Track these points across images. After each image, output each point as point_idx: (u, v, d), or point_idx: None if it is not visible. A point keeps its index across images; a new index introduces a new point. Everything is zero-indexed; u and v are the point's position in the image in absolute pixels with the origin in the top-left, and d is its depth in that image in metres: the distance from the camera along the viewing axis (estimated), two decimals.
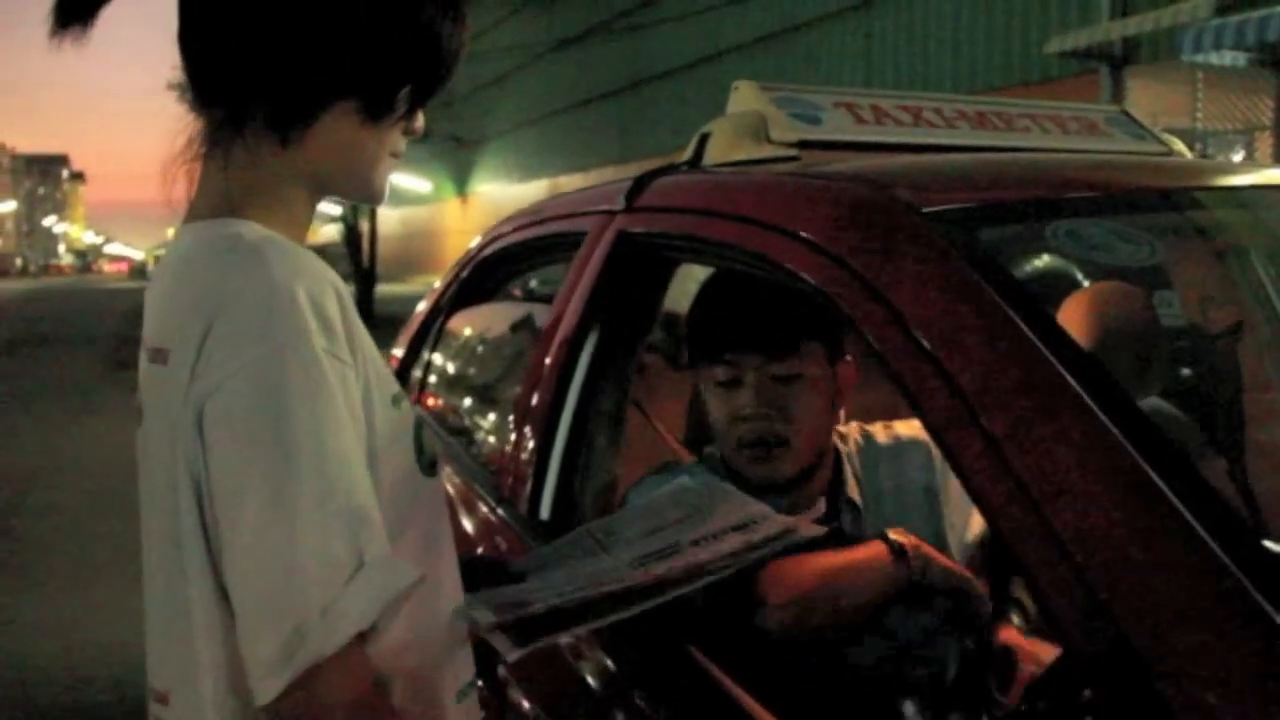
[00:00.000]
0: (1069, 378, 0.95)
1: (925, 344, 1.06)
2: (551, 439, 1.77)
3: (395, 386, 1.07)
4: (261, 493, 0.89)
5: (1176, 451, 0.90)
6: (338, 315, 0.96)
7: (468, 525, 1.99)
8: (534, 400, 1.85)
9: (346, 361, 0.96)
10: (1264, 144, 8.51)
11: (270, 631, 0.88)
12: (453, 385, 2.84)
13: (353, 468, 0.93)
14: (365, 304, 18.13)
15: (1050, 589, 0.88)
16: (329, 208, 33.31)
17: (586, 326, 1.80)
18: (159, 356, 0.98)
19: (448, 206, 32.29)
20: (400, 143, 1.10)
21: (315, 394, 0.91)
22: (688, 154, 1.87)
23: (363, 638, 0.91)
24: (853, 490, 1.63)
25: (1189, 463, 0.90)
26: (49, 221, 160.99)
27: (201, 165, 1.07)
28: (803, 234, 1.32)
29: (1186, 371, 2.23)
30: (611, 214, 1.88)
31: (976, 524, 1.64)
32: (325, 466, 0.90)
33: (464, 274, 2.69)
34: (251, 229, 1.01)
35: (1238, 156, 8.79)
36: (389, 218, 32.28)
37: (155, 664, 1.05)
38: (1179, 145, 2.10)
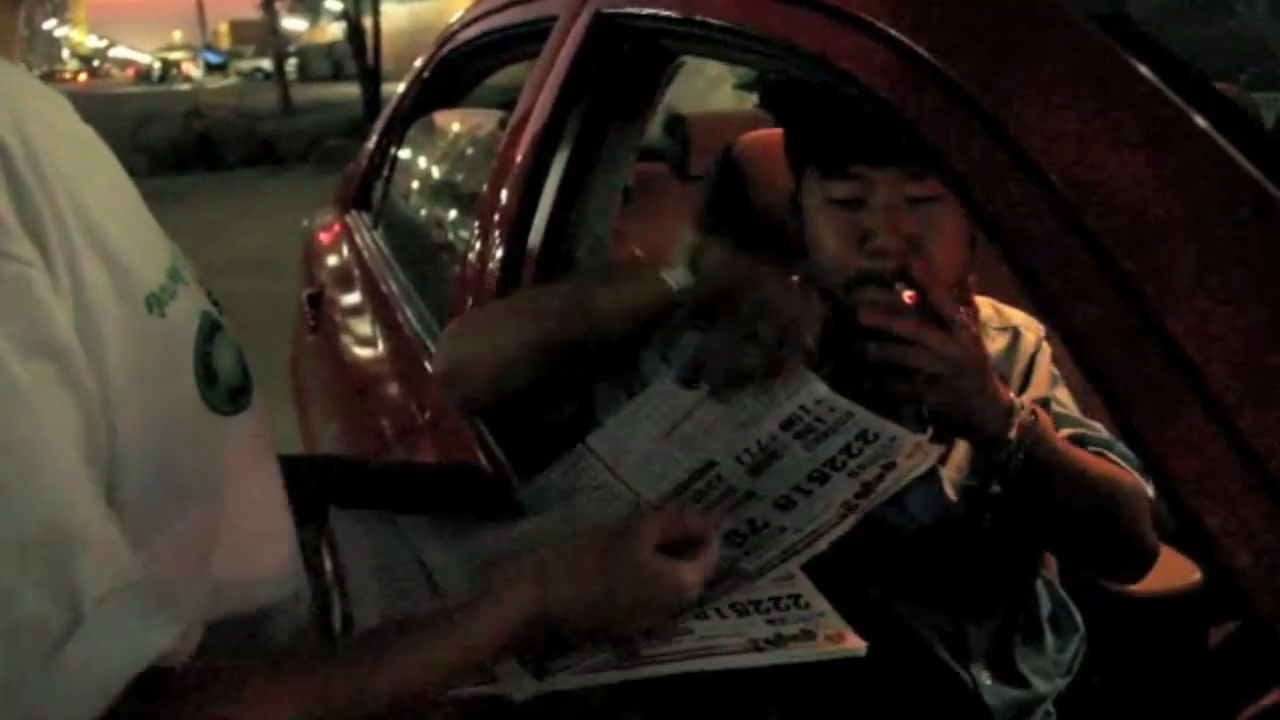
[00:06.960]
0: None
1: (1052, 181, 0.65)
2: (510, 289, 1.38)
3: (156, 282, 0.66)
4: None
5: None
6: (3, 187, 0.56)
7: (402, 397, 1.62)
8: (491, 238, 1.45)
9: (26, 260, 0.56)
10: None
11: None
12: (412, 209, 2.43)
13: (44, 454, 0.55)
14: (372, 103, 17.28)
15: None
16: (332, 3, 31.89)
17: (554, 142, 1.38)
18: None
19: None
20: None
21: None
22: None
23: None
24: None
25: None
26: (49, 25, 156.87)
27: None
28: (855, 13, 0.88)
29: None
30: None
31: None
32: None
33: (426, 75, 2.25)
34: None
35: None
36: (396, 13, 30.79)
37: None
38: None
